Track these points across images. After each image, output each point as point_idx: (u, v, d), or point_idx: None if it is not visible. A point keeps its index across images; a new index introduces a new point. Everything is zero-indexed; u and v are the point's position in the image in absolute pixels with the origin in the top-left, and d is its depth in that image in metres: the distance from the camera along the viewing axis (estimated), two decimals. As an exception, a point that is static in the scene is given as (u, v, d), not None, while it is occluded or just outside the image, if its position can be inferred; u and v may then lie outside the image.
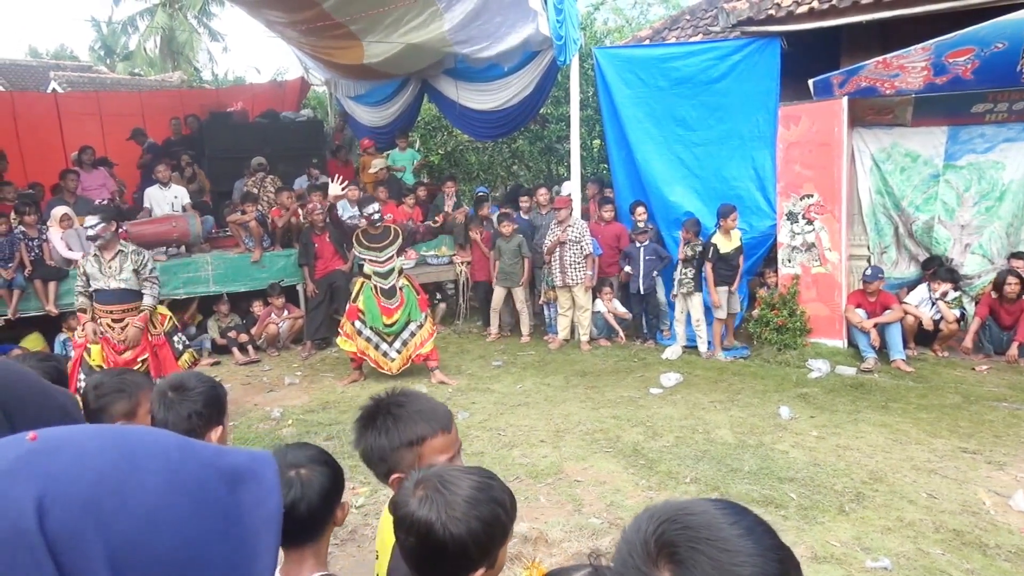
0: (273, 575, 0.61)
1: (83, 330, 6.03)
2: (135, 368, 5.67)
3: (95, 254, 6.01)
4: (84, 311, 6.06)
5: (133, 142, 11.12)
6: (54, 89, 17.43)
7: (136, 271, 6.02)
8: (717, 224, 7.51)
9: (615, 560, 0.83)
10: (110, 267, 5.95)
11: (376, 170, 10.62)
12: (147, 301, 6.09)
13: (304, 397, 6.73)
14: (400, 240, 7.01)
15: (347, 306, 7.09)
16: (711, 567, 0.77)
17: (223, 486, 0.59)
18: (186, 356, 6.38)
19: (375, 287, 6.91)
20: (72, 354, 6.35)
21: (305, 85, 13.92)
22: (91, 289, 5.99)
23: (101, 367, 5.69)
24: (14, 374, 0.89)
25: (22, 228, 7.65)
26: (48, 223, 7.89)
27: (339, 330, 7.18)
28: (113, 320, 5.98)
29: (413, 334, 6.97)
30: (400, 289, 6.97)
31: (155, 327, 6.21)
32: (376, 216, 6.89)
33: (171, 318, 6.46)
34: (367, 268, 7.00)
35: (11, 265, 7.38)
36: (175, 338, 6.39)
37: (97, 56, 29.85)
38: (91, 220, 5.96)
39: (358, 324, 6.91)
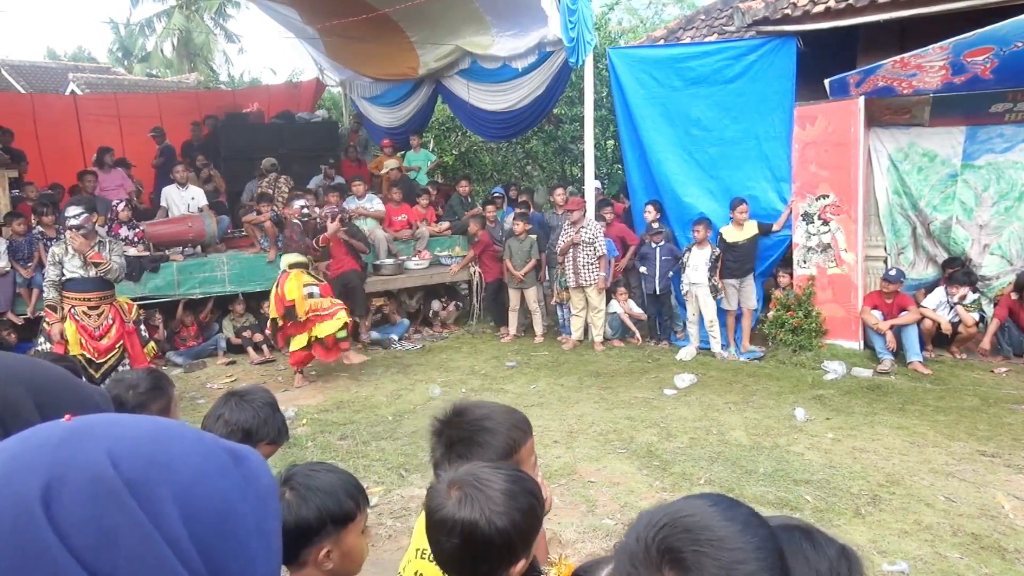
0: (280, 535, 0.68)
1: (53, 331, 5.93)
2: (112, 354, 6.00)
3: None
4: (54, 308, 6.00)
5: (152, 141, 11.21)
6: (72, 91, 17.64)
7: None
8: (729, 218, 7.56)
9: (616, 570, 0.82)
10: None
11: (387, 170, 10.65)
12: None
13: (319, 396, 6.76)
14: None
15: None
16: (715, 567, 0.76)
17: (231, 460, 0.66)
18: (149, 346, 6.56)
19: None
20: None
21: (320, 86, 13.98)
22: (64, 279, 5.99)
23: (84, 356, 5.78)
24: (48, 372, 0.91)
25: (40, 228, 7.74)
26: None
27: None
28: (90, 308, 6.04)
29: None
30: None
31: (127, 316, 6.31)
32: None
33: (137, 308, 6.61)
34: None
35: (30, 264, 7.48)
36: (141, 328, 6.53)
37: (115, 58, 30.18)
38: (75, 210, 5.96)
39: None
